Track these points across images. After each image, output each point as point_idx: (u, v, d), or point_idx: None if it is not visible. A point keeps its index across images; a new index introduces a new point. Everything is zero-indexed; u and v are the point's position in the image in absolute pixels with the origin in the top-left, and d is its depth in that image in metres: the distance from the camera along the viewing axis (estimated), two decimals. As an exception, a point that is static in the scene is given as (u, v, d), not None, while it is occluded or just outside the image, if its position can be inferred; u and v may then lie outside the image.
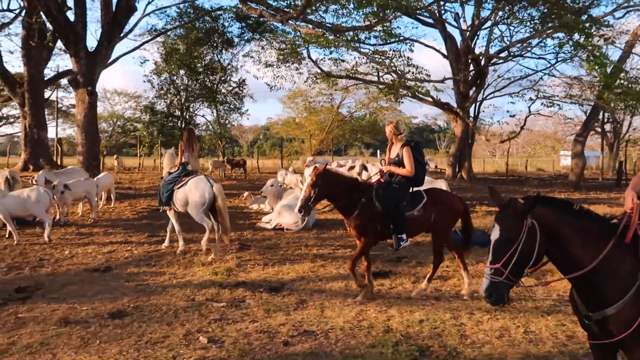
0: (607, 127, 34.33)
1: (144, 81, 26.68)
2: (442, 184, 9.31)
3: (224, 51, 21.21)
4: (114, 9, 15.71)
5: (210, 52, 21.27)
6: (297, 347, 4.27)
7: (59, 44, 24.32)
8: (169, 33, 22.09)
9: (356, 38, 17.26)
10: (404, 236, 5.52)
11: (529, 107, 19.20)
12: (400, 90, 19.17)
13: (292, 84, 26.00)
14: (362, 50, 18.28)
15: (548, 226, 2.66)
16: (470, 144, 23.83)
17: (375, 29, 16.71)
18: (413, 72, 18.66)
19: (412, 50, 19.78)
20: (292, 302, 5.54)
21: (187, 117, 26.81)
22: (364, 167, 12.99)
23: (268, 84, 24.36)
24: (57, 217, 11.36)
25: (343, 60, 19.87)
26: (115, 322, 4.88)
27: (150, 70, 25.66)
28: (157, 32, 22.25)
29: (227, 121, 23.83)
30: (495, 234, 2.68)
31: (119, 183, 18.35)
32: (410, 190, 5.76)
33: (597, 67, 13.91)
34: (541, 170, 37.22)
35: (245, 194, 14.44)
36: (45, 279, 6.54)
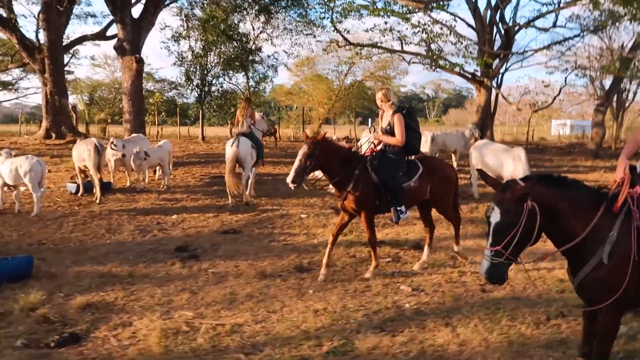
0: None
1: (161, 48, 26.06)
2: (520, 152, 9.55)
3: (259, 19, 21.17)
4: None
5: (244, 19, 21.23)
6: (495, 294, 4.81)
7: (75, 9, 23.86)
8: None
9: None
10: (403, 208, 5.28)
11: (565, 78, 19.80)
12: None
13: (310, 52, 26.19)
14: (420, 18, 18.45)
15: (546, 204, 2.71)
16: (493, 114, 24.33)
17: None
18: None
19: (455, 21, 19.97)
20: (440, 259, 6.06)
21: (207, 85, 26.69)
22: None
23: (286, 52, 24.69)
24: (129, 184, 11.62)
25: (398, 31, 20.05)
26: (307, 275, 5.36)
27: (168, 38, 25.38)
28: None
29: (257, 89, 23.97)
30: (495, 217, 2.68)
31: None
32: (406, 160, 5.50)
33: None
34: (543, 139, 38.07)
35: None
36: (189, 240, 6.94)
